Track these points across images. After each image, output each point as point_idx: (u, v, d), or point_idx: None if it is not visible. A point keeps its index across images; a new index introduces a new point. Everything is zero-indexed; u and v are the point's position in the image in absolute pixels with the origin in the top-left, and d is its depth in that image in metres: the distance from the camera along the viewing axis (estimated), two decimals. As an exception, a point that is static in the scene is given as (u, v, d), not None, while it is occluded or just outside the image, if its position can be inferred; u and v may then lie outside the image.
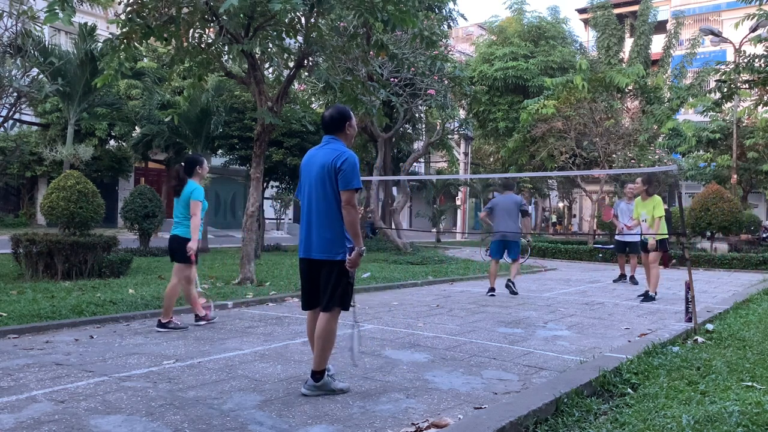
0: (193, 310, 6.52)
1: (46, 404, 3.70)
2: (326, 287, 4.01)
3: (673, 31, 25.95)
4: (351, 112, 4.25)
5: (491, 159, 33.44)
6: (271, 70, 11.10)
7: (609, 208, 17.50)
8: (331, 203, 3.98)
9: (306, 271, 4.13)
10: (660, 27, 29.39)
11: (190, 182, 6.33)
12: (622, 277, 12.07)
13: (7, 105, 10.75)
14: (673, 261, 13.61)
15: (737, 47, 17.00)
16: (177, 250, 6.25)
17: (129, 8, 8.38)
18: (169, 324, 6.14)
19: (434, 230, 27.76)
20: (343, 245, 3.99)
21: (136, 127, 22.24)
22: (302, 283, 4.20)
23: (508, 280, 9.62)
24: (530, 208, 9.92)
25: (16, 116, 14.68)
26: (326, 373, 4.03)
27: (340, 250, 3.98)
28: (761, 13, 14.16)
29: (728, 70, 15.11)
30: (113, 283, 8.85)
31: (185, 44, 8.98)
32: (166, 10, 8.45)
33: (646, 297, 9.11)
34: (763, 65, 14.33)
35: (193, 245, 6.18)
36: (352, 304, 4.08)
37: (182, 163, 6.51)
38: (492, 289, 9.48)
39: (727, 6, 34.01)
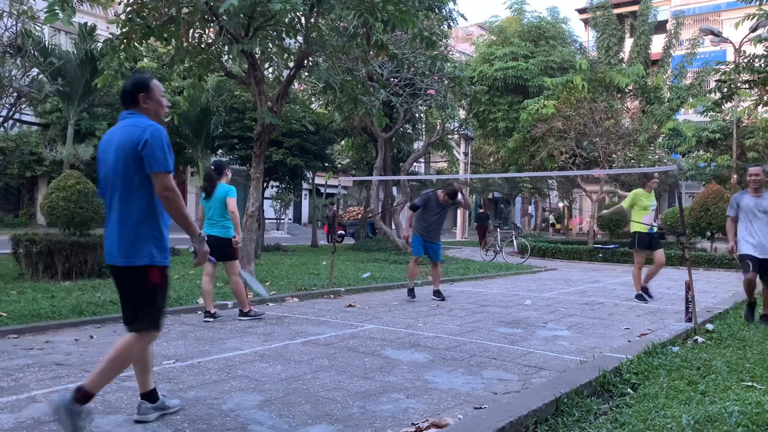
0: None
1: (46, 404, 3.70)
2: (128, 300, 3.31)
3: (673, 31, 25.96)
4: (152, 82, 3.32)
5: (491, 159, 33.44)
6: (271, 70, 11.10)
7: None
8: (132, 194, 3.17)
9: (115, 281, 3.40)
10: (660, 27, 29.38)
11: (221, 184, 6.88)
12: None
13: (7, 105, 10.77)
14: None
15: (737, 47, 16.99)
16: (219, 249, 6.48)
17: (129, 8, 8.39)
18: (249, 313, 6.92)
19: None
20: (150, 248, 3.20)
21: (136, 127, 22.22)
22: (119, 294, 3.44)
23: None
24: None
25: (16, 116, 14.69)
26: (85, 402, 3.04)
27: (143, 253, 3.19)
28: (761, 13, 14.14)
29: (728, 70, 15.09)
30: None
31: (185, 44, 8.98)
32: (166, 10, 8.45)
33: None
34: (763, 65, 14.31)
35: (238, 238, 6.81)
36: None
37: (212, 167, 7.04)
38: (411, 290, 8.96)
39: (727, 6, 33.97)
